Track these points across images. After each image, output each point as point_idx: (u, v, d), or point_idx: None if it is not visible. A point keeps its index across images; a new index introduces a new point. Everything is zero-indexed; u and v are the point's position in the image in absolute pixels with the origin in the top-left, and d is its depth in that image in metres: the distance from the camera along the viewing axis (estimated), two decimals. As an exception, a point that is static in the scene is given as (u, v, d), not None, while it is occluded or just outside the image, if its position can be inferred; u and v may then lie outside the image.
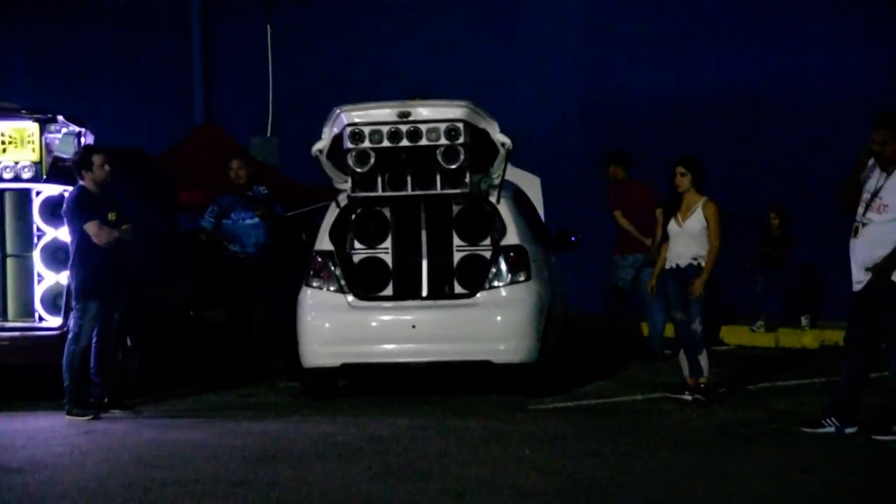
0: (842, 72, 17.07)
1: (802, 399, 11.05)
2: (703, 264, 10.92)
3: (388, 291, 12.01)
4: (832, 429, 9.30)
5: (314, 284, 11.58)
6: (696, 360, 10.96)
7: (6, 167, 11.34)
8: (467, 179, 11.49)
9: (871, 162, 9.18)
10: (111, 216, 10.76)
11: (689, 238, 11.01)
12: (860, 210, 9.14)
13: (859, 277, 9.16)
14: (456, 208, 12.07)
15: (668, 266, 11.13)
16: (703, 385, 10.99)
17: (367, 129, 11.38)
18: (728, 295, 16.47)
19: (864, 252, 9.09)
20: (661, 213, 12.56)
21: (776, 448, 8.94)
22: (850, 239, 9.21)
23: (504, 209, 11.71)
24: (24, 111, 11.52)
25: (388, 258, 12.13)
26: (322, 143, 11.62)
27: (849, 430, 9.26)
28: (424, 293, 11.91)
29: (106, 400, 10.90)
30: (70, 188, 10.92)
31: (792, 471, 8.20)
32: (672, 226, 11.13)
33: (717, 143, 17.88)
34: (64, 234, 11.00)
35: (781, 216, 15.88)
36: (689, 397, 11.00)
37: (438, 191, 11.58)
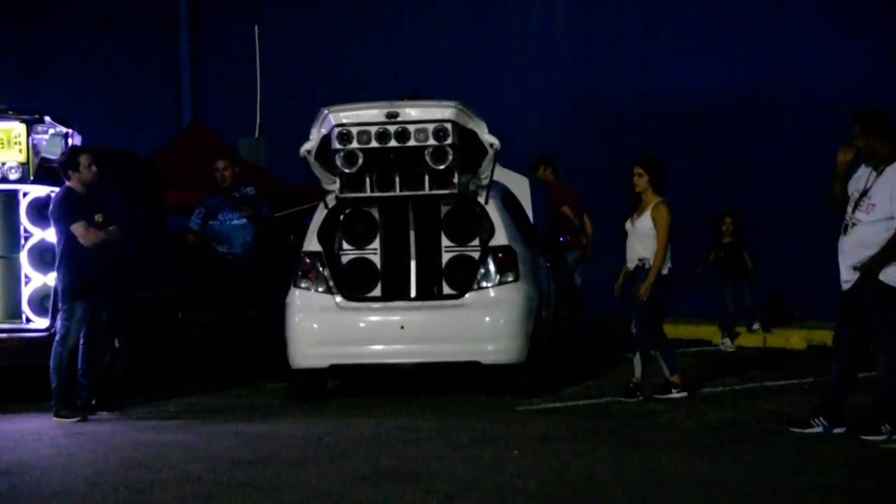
0: (832, 72, 17.08)
1: (790, 399, 11.06)
2: (647, 266, 10.98)
3: (377, 292, 12.00)
4: (820, 429, 9.30)
5: (302, 285, 11.56)
6: (637, 360, 11.14)
7: (-7, 168, 11.31)
8: (455, 180, 11.48)
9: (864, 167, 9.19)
10: (98, 217, 10.74)
11: (638, 238, 11.11)
12: (849, 209, 9.14)
13: (847, 277, 9.16)
14: (444, 209, 12.06)
15: (628, 269, 11.31)
16: (631, 385, 11.09)
17: (355, 130, 11.37)
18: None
19: (853, 252, 9.09)
20: (569, 210, 14.35)
21: (765, 448, 8.94)
22: (839, 237, 9.21)
23: (492, 210, 11.71)
24: (10, 112, 11.49)
25: (376, 259, 12.12)
26: (310, 144, 11.60)
27: (837, 431, 9.27)
28: (413, 294, 11.91)
29: (93, 401, 10.87)
30: (57, 189, 10.89)
31: (781, 471, 8.21)
32: (627, 225, 11.29)
33: (707, 143, 17.91)
34: (51, 235, 10.97)
35: (736, 222, 15.71)
36: (676, 395, 11.05)
37: (427, 191, 11.58)
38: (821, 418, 9.33)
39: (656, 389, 11.22)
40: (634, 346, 11.20)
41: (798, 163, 17.05)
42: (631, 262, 11.21)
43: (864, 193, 9.08)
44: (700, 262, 15.66)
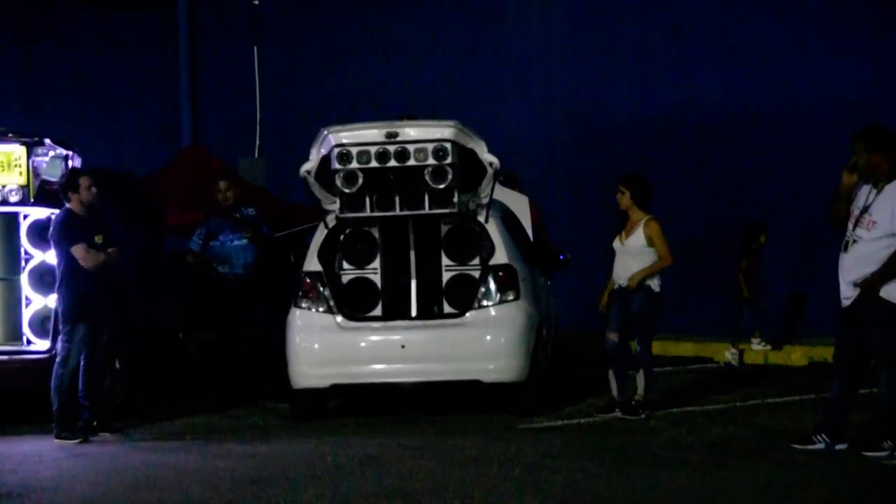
0: (832, 85, 17.12)
1: (792, 416, 11.06)
2: (645, 282, 10.99)
3: (377, 312, 11.99)
4: (822, 445, 9.30)
5: (303, 305, 11.57)
6: (624, 377, 11.14)
7: (-7, 190, 11.33)
8: (455, 199, 11.49)
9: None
10: (98, 239, 10.75)
11: (630, 257, 11.11)
12: (850, 226, 9.15)
13: (847, 293, 9.16)
14: (444, 228, 12.07)
15: (614, 287, 11.26)
16: (634, 402, 11.10)
17: (354, 150, 11.39)
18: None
19: (853, 269, 9.09)
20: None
21: (767, 465, 8.94)
22: (839, 254, 9.21)
23: (492, 228, 11.72)
24: (11, 134, 11.51)
25: (376, 278, 12.12)
26: (310, 164, 11.61)
27: (839, 447, 9.26)
28: (413, 313, 11.90)
29: (95, 423, 10.86)
30: (57, 211, 10.90)
31: (783, 488, 8.20)
32: (616, 244, 11.29)
33: (706, 157, 17.94)
34: (52, 257, 10.97)
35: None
36: (643, 416, 11.06)
37: (427, 211, 11.58)
38: (822, 435, 9.32)
39: (629, 409, 11.17)
40: (637, 364, 11.18)
41: (797, 177, 17.08)
42: (621, 281, 11.19)
43: (865, 210, 9.09)
44: (704, 278, 15.65)
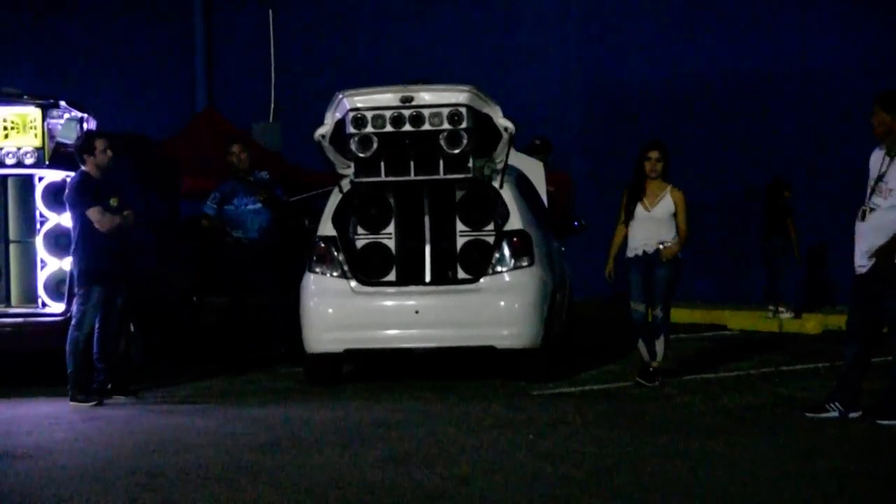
0: (851, 53, 17.03)
1: (806, 384, 11.05)
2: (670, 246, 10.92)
3: (392, 277, 11.99)
4: (836, 413, 9.28)
5: (317, 270, 11.57)
6: (653, 343, 11.01)
7: (8, 153, 11.34)
8: (470, 164, 11.46)
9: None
10: (113, 202, 10.75)
11: (657, 223, 11.00)
12: (867, 194, 9.10)
13: (862, 262, 9.12)
14: (459, 193, 12.05)
15: (631, 254, 11.10)
16: (653, 369, 11.04)
17: (369, 114, 11.36)
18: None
19: (870, 237, 9.05)
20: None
21: (780, 433, 8.93)
22: (856, 222, 9.17)
23: (507, 194, 11.69)
24: (26, 97, 11.51)
25: (391, 243, 12.11)
26: (324, 129, 11.59)
27: (853, 415, 9.25)
28: (428, 278, 11.90)
29: (109, 386, 10.90)
30: (72, 174, 10.91)
31: (796, 456, 8.19)
32: (639, 210, 11.07)
33: (721, 127, 17.88)
34: (67, 219, 10.98)
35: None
36: (658, 383, 11.03)
37: (441, 176, 11.55)
38: (836, 403, 9.31)
39: (648, 375, 11.12)
40: (658, 330, 11.08)
41: (815, 144, 17.03)
42: (646, 247, 11.08)
43: (880, 178, 9.05)
44: (720, 246, 15.60)
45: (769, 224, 15.79)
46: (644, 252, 11.05)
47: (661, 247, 10.97)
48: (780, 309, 15.67)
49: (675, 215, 11.00)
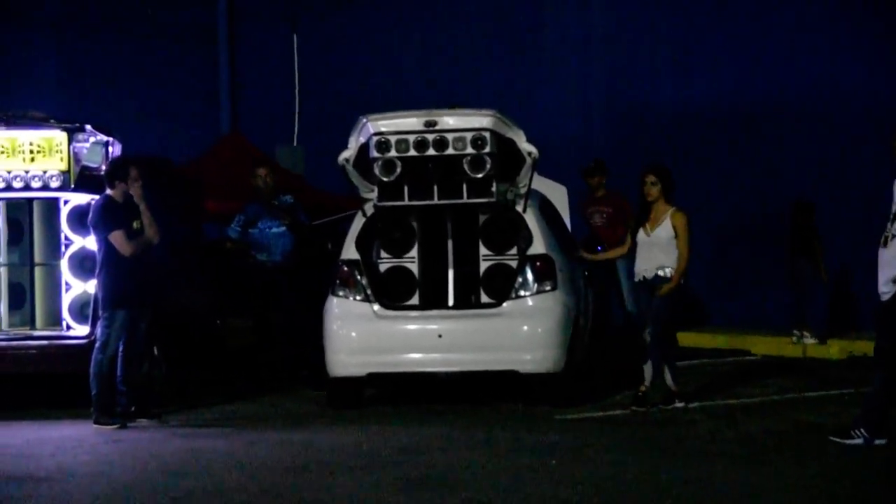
0: (868, 81, 16.97)
1: (830, 410, 10.99)
2: (668, 274, 10.92)
3: (415, 301, 12.00)
4: (861, 440, 9.22)
5: (340, 293, 11.58)
6: (658, 369, 11.04)
7: (34, 176, 11.40)
8: (493, 188, 11.47)
9: None
10: (136, 225, 10.81)
11: (657, 248, 11.04)
12: (889, 221, 9.07)
13: (886, 289, 9.09)
14: (482, 217, 12.05)
15: (637, 279, 11.17)
16: (641, 393, 11.05)
17: (393, 139, 11.39)
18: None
19: (893, 264, 9.01)
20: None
21: (804, 459, 8.89)
22: (879, 249, 9.14)
23: (530, 218, 11.70)
24: (52, 120, 11.59)
25: (414, 267, 12.12)
26: (348, 153, 11.63)
27: (878, 442, 9.19)
28: (451, 302, 11.90)
29: (132, 409, 10.93)
30: (97, 197, 10.95)
31: (820, 482, 8.16)
32: (641, 235, 11.16)
33: (743, 150, 17.83)
34: (92, 242, 11.03)
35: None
36: (679, 405, 11.04)
37: (465, 200, 11.56)
38: (861, 429, 9.25)
39: (663, 400, 11.13)
40: (646, 356, 11.10)
41: (838, 167, 16.95)
42: (646, 272, 11.10)
43: (902, 205, 9.02)
44: (739, 270, 15.53)
45: (795, 246, 15.74)
46: (644, 278, 11.09)
47: (659, 273, 10.99)
48: (805, 334, 15.58)
49: (675, 238, 11.01)
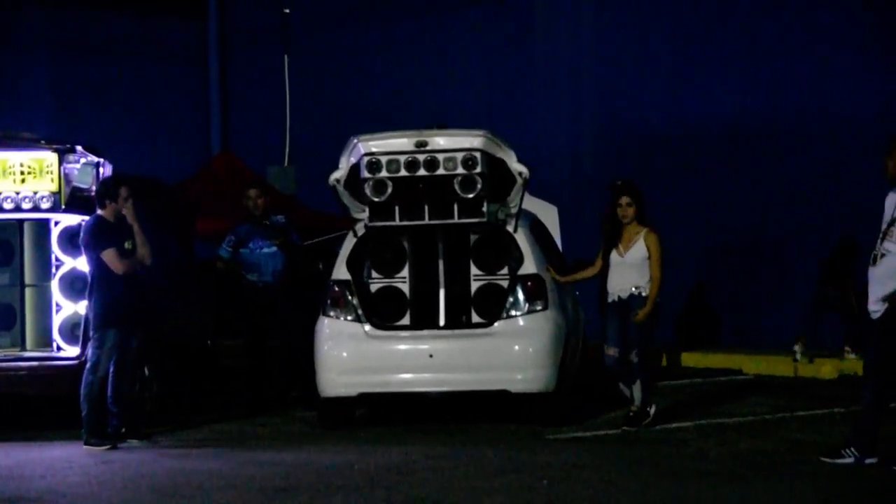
0: (863, 97, 17.03)
1: (821, 429, 11.00)
2: (643, 294, 10.93)
3: (406, 321, 12.00)
4: (852, 459, 9.22)
5: (331, 314, 11.58)
6: (630, 389, 11.06)
7: (25, 197, 11.39)
8: (484, 209, 11.49)
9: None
10: (128, 244, 10.81)
11: (631, 269, 11.03)
12: (879, 240, 9.09)
13: (876, 307, 9.11)
14: (473, 237, 12.07)
15: (609, 300, 11.17)
16: (632, 413, 11.06)
17: (384, 159, 11.41)
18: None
19: (882, 282, 9.03)
20: None
21: (795, 479, 8.88)
22: (869, 268, 9.16)
23: (521, 238, 11.71)
24: (43, 141, 11.59)
25: (405, 287, 12.12)
26: (339, 173, 11.65)
27: (869, 461, 9.19)
28: (442, 322, 11.90)
29: (123, 430, 10.90)
30: (88, 218, 10.95)
31: (811, 501, 8.15)
32: (613, 256, 11.14)
33: (734, 167, 17.87)
34: (82, 263, 11.03)
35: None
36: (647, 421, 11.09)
37: (455, 220, 11.58)
38: (852, 448, 9.26)
39: (629, 420, 11.13)
40: (634, 375, 11.11)
41: (828, 187, 16.99)
42: (622, 292, 11.09)
43: (893, 223, 9.03)
44: (731, 289, 15.55)
45: (828, 274, 15.79)
46: (619, 298, 11.10)
47: (634, 291, 10.99)
48: (846, 349, 15.60)
49: (649, 258, 11.02)
